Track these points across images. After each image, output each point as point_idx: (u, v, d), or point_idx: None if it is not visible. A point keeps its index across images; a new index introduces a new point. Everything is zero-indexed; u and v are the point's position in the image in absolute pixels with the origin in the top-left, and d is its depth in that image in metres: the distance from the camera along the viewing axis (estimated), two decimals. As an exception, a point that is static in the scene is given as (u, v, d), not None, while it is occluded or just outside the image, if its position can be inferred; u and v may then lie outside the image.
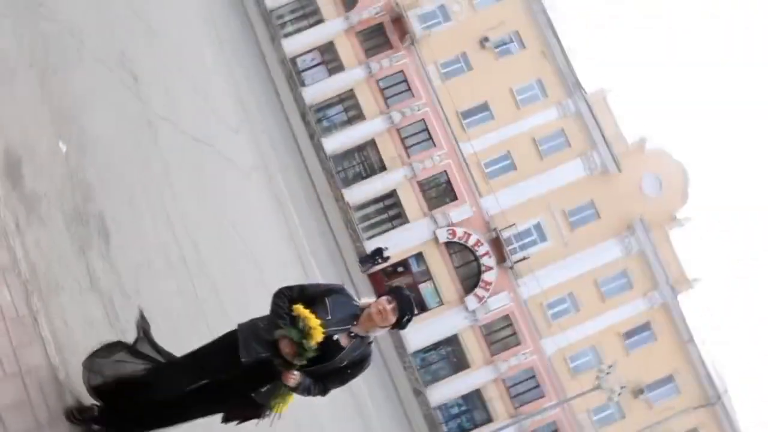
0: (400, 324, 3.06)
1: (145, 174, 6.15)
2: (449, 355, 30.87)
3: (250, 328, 3.05)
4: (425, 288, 31.56)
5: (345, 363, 3.06)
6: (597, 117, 31.84)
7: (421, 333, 30.16)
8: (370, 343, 3.17)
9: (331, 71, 33.39)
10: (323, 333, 2.89)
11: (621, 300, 30.85)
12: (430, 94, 32.37)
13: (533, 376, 30.31)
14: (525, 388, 30.29)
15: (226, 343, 3.05)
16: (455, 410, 30.17)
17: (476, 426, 29.73)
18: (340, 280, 17.10)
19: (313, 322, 2.88)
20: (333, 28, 33.55)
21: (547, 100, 32.51)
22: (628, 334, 30.73)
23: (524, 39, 32.97)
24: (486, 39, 32.56)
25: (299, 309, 2.92)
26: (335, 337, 3.02)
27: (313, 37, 33.64)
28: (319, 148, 31.35)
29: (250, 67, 22.62)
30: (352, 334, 3.06)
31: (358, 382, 15.41)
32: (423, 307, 31.08)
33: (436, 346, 30.71)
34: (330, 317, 2.98)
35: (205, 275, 6.01)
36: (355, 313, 3.07)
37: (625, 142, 32.19)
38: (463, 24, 33.03)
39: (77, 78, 5.34)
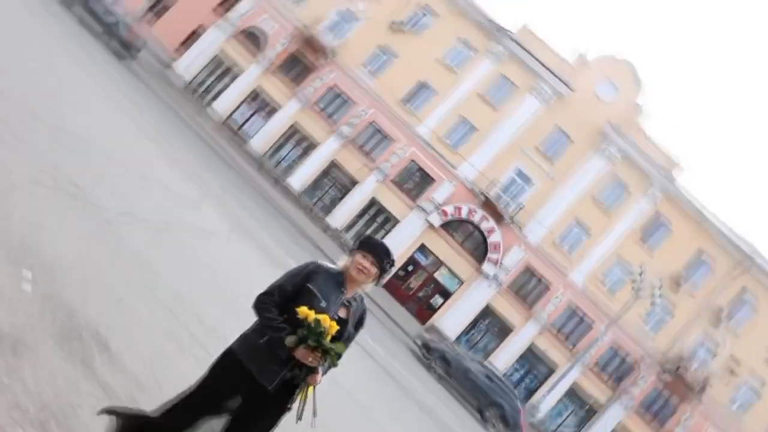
0: (383, 272, 3.00)
1: (124, 272, 6.00)
2: (490, 326, 30.79)
3: (251, 350, 2.90)
4: (441, 275, 31.50)
5: (352, 330, 3.04)
6: (530, 50, 31.99)
7: (454, 317, 30.10)
8: (362, 299, 3.12)
9: (268, 114, 33.40)
10: (333, 322, 2.81)
11: (624, 207, 30.97)
12: (369, 96, 32.43)
13: (574, 312, 30.27)
14: (572, 327, 30.25)
15: (224, 369, 2.92)
16: (517, 375, 30.03)
17: (542, 381, 29.58)
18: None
19: (326, 320, 2.78)
20: (252, 75, 33.60)
21: (477, 54, 32.65)
22: (645, 235, 30.80)
23: (433, 8, 33.15)
24: (398, 23, 32.69)
25: (304, 311, 2.80)
26: (338, 315, 2.95)
27: (237, 91, 33.69)
28: (287, 190, 31.26)
29: (191, 141, 22.49)
30: (347, 303, 2.99)
31: (420, 390, 15.27)
32: (446, 294, 31.02)
33: (474, 324, 30.60)
34: (325, 303, 2.88)
35: (220, 339, 5.86)
36: (340, 281, 2.99)
37: (567, 62, 32.31)
38: (372, 18, 33.17)
39: (17, 204, 5.19)
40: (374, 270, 2.95)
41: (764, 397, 29.71)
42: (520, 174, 31.58)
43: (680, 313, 30.35)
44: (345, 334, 2.95)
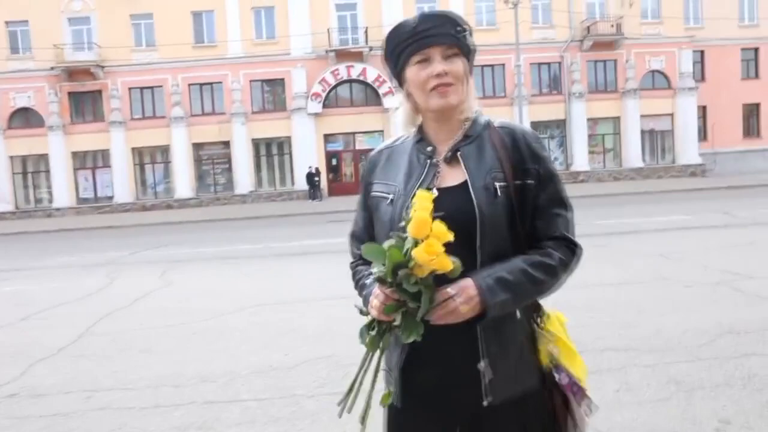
0: (468, 52, 1.48)
1: None
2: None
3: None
4: (363, 143, 30.30)
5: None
6: None
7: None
8: (486, 124, 1.53)
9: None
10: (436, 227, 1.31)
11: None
12: (166, 70, 29.50)
13: (482, 71, 29.50)
14: (491, 81, 29.66)
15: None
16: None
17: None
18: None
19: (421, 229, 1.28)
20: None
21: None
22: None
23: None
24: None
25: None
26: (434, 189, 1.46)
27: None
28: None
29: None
30: (449, 156, 1.49)
31: None
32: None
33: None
34: (397, 195, 1.48)
35: None
36: (415, 140, 1.54)
37: None
38: (105, 7, 29.42)
39: None
40: (456, 65, 1.44)
41: None
42: (340, 6, 29.58)
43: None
44: (476, 208, 1.40)
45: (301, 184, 28.88)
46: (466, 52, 1.46)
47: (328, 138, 30.06)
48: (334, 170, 30.49)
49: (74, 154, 30.08)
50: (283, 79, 29.65)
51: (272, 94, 30.11)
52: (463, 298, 1.33)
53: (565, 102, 30.42)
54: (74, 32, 29.69)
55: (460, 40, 1.44)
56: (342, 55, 29.16)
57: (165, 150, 30.13)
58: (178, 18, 29.28)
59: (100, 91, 29.82)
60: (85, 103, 30.19)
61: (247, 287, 8.01)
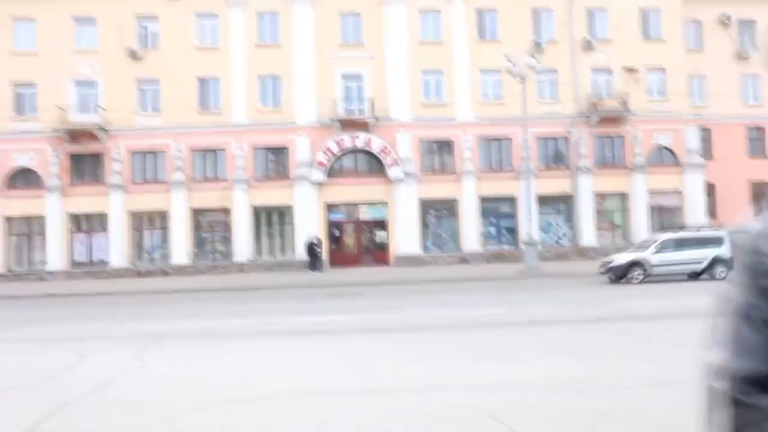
0: None
1: None
2: (439, 215, 29.39)
3: None
4: (365, 213, 29.79)
5: None
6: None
7: (407, 235, 28.38)
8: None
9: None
10: None
11: (446, 24, 29.99)
12: (166, 132, 29.27)
13: (488, 142, 29.23)
14: (497, 154, 29.32)
15: None
16: (507, 221, 28.91)
17: (513, 214, 28.55)
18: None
19: None
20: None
21: (223, 13, 29.80)
22: (480, 30, 29.86)
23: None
24: (132, 50, 29.19)
25: None
26: None
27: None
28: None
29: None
30: None
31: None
32: (383, 224, 29.28)
33: (425, 224, 29.12)
34: None
35: None
36: None
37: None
38: (108, 71, 29.49)
39: None
40: None
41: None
42: (347, 76, 29.59)
43: (559, 60, 29.91)
44: None
45: (302, 253, 28.05)
46: None
47: (330, 207, 29.45)
48: (335, 240, 29.72)
49: (71, 216, 29.45)
50: (286, 147, 29.34)
51: (275, 161, 29.73)
52: None
53: (571, 176, 29.95)
54: (80, 95, 29.65)
55: None
56: (347, 124, 28.96)
57: (164, 215, 29.50)
58: (184, 84, 29.28)
59: (101, 154, 29.49)
60: (85, 165, 29.80)
61: (229, 374, 7.05)
